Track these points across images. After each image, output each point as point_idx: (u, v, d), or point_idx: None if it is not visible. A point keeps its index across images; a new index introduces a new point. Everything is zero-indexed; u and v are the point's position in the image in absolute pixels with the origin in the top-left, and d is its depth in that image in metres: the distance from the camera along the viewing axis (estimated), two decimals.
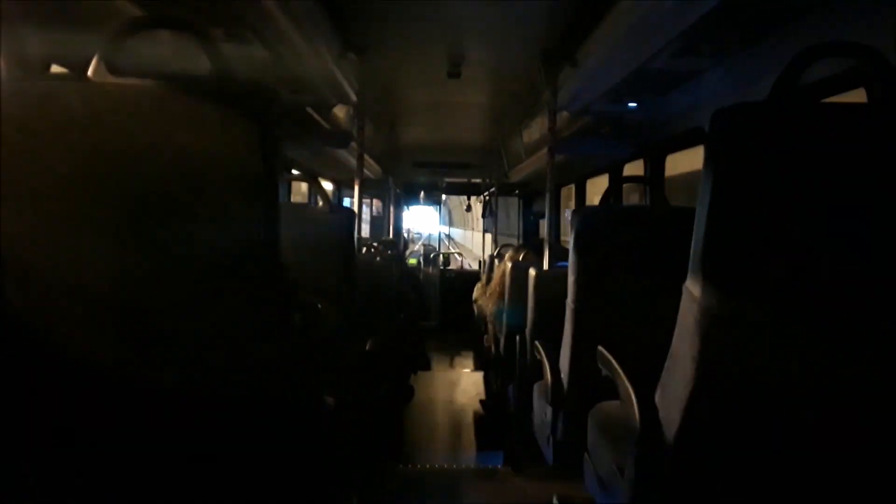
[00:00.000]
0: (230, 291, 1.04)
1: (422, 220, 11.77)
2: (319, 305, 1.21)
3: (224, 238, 1.02)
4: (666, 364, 1.16)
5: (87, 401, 1.01)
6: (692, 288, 1.04)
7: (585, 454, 1.63)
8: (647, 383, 1.23)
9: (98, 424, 1.02)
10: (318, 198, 2.53)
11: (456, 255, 8.68)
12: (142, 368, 1.02)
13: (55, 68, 1.81)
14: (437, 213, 9.29)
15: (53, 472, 1.02)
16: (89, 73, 1.07)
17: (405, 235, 8.45)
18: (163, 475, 1.07)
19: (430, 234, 10.55)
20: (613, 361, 1.41)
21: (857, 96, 1.61)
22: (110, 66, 1.07)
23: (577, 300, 2.02)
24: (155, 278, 1.00)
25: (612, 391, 1.41)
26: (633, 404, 1.25)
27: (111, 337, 1.00)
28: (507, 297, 3.48)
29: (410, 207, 8.31)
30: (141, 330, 1.01)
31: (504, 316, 3.58)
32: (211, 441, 1.08)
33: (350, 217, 2.29)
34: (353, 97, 2.88)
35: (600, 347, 1.49)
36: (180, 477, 1.08)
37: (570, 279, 2.04)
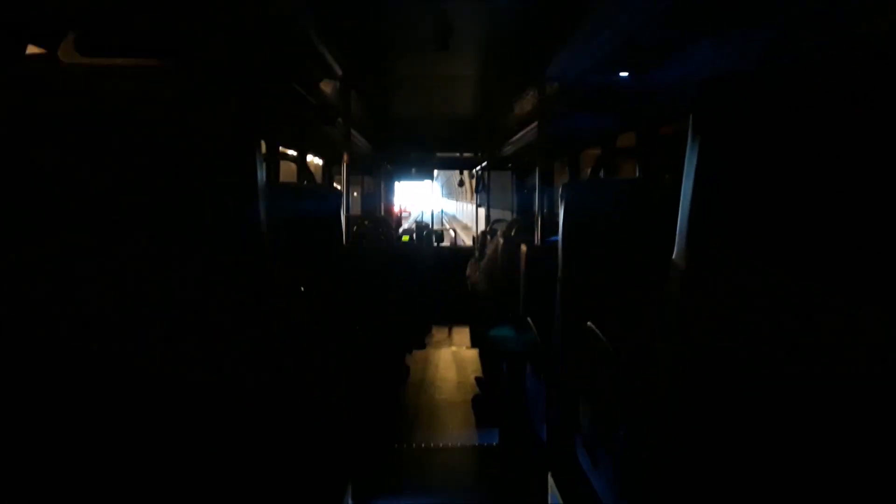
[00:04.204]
0: (210, 274, 1.02)
1: (416, 197, 11.26)
2: (303, 288, 1.19)
3: (202, 220, 0.99)
4: (654, 340, 1.15)
5: (64, 389, 0.99)
6: (678, 262, 1.02)
7: (577, 431, 1.63)
8: (636, 359, 1.23)
9: (80, 416, 1.00)
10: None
11: (450, 231, 8.64)
12: (122, 354, 1.00)
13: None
14: (433, 187, 9.01)
15: (41, 462, 1.00)
16: (59, 53, 1.04)
17: (397, 212, 8.40)
18: (152, 464, 1.06)
19: (421, 213, 10.10)
20: (603, 337, 1.40)
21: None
22: (81, 46, 1.03)
23: (566, 276, 2.01)
24: (129, 260, 0.98)
25: (604, 367, 1.40)
26: (621, 381, 1.24)
27: (88, 324, 0.98)
28: (499, 273, 3.46)
29: (402, 183, 8.24)
30: (118, 315, 0.99)
31: (497, 292, 3.58)
32: (196, 428, 1.07)
33: (337, 196, 2.27)
34: (339, 71, 2.83)
35: (590, 323, 1.48)
36: (168, 465, 1.07)
37: (560, 254, 2.02)
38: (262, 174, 1.02)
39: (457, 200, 20.64)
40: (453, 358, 5.26)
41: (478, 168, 7.34)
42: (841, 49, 1.47)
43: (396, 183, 7.91)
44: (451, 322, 6.53)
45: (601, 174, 2.40)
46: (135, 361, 1.01)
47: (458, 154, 7.31)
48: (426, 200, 10.52)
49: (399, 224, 8.17)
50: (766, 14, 1.80)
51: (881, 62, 1.01)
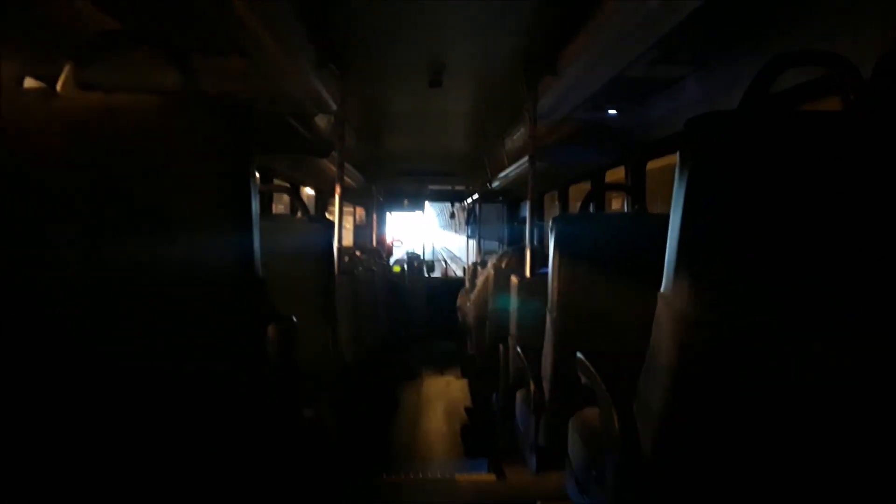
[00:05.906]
0: (203, 304, 1.03)
1: (409, 229, 10.87)
2: (295, 318, 1.19)
3: (196, 251, 1.01)
4: (643, 371, 1.16)
5: (57, 411, 1.00)
6: (667, 295, 1.04)
7: (567, 461, 1.63)
8: (626, 390, 1.24)
9: (83, 417, 1.01)
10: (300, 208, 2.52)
11: (441, 261, 8.63)
12: (112, 380, 1.01)
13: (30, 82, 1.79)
14: (427, 217, 8.73)
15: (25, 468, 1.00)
16: (58, 86, 1.05)
17: (389, 243, 8.40)
18: (139, 489, 1.06)
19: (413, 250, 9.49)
20: (592, 369, 1.41)
21: (834, 103, 1.63)
22: (79, 80, 1.05)
23: (556, 307, 2.03)
24: (125, 291, 0.99)
25: (593, 397, 1.41)
26: (611, 412, 1.25)
27: (79, 348, 0.99)
28: (490, 304, 3.48)
29: (394, 214, 8.24)
30: (110, 343, 1.00)
31: (487, 323, 3.58)
32: (186, 455, 1.07)
33: (329, 227, 2.28)
34: (334, 107, 2.87)
35: (579, 354, 1.50)
36: (158, 490, 1.07)
37: (550, 286, 2.04)
38: (256, 205, 1.04)
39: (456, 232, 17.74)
40: (443, 388, 5.23)
41: (469, 200, 7.39)
42: (824, 85, 1.52)
43: (389, 214, 7.94)
44: (441, 352, 6.50)
45: (591, 207, 2.44)
46: (122, 389, 1.02)
47: (450, 187, 7.37)
48: (419, 233, 9.99)
49: (391, 254, 8.17)
50: (752, 50, 1.86)
51: (865, 97, 1.04)
